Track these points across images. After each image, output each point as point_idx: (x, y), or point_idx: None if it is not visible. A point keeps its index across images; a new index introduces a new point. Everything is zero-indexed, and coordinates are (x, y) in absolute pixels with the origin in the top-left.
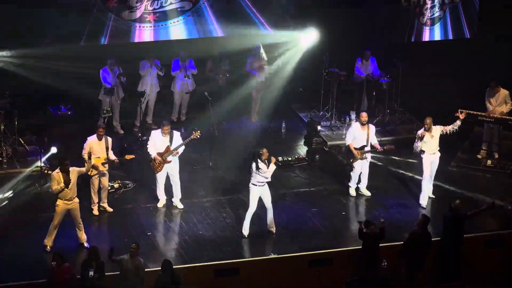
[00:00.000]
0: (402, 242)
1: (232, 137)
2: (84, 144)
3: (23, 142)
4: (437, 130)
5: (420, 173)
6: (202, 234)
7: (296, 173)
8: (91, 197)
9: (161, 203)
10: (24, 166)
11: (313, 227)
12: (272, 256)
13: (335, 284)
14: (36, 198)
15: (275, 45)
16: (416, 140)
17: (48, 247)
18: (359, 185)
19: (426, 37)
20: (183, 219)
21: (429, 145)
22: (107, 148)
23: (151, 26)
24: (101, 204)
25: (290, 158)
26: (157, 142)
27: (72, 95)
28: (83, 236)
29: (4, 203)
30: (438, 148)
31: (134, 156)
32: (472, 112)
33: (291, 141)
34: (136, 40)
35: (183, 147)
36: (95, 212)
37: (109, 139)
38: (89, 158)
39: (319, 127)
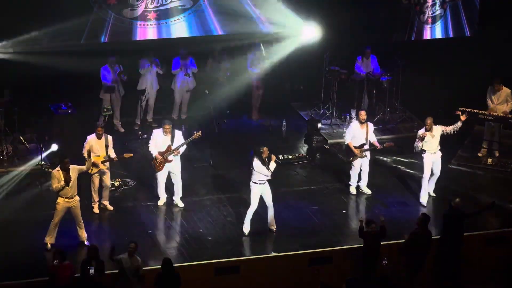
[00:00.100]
0: (402, 241)
1: (233, 135)
2: (84, 143)
3: (23, 140)
4: (438, 130)
5: (421, 171)
6: (203, 232)
7: (296, 171)
8: (92, 195)
9: (161, 202)
10: (24, 164)
11: (314, 225)
12: (273, 254)
13: (335, 282)
14: (37, 196)
15: (275, 41)
16: (417, 140)
17: (49, 245)
18: (359, 183)
19: (426, 35)
20: (183, 217)
21: (430, 144)
22: (106, 147)
23: (152, 24)
24: (102, 201)
25: (290, 156)
26: (158, 141)
27: (73, 94)
28: (83, 234)
29: (5, 200)
30: (439, 148)
31: (132, 155)
32: (472, 110)
33: (292, 139)
34: (137, 38)
35: (184, 147)
36: (96, 210)
37: (110, 138)
38: (89, 156)
39: (319, 125)
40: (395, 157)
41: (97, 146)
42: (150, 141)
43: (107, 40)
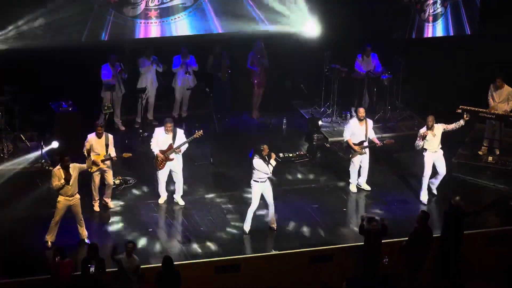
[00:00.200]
0: (402, 239)
1: (233, 133)
2: (85, 141)
3: (24, 139)
4: (439, 128)
5: (421, 169)
6: (203, 230)
7: (298, 169)
8: (92, 193)
9: (162, 200)
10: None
11: (314, 223)
12: (273, 252)
13: (336, 281)
14: (37, 195)
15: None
16: (418, 139)
17: (49, 243)
18: (359, 180)
19: (427, 33)
20: (184, 215)
21: (431, 143)
22: (107, 146)
23: (153, 23)
24: (104, 198)
25: (291, 155)
26: (160, 139)
27: (74, 92)
28: (84, 232)
29: (5, 199)
30: (440, 146)
31: (131, 154)
32: (473, 108)
33: (292, 137)
34: (137, 36)
35: (186, 145)
36: (96, 208)
37: (110, 136)
38: (88, 155)
39: (320, 122)
40: (395, 153)
41: (97, 145)
42: (152, 139)
43: (107, 38)
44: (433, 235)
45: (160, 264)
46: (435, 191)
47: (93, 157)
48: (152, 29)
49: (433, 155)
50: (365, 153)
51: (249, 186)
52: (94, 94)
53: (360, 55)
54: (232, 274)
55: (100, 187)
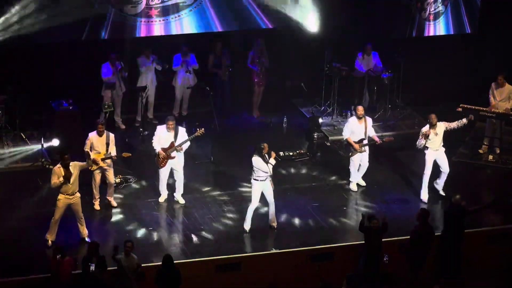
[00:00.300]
0: (402, 238)
1: (233, 132)
2: (86, 139)
3: (24, 137)
4: (441, 127)
5: (422, 168)
6: (204, 229)
7: (298, 168)
8: (93, 192)
9: (162, 198)
10: (25, 161)
11: (314, 222)
12: (273, 251)
13: (336, 279)
14: (37, 193)
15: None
16: (420, 138)
17: (50, 241)
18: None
19: (427, 32)
20: (184, 214)
21: (433, 141)
22: (107, 144)
23: (154, 21)
24: (106, 197)
25: (291, 153)
26: (161, 137)
27: (74, 90)
28: (84, 230)
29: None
30: (442, 144)
31: (130, 154)
32: (473, 107)
33: (293, 136)
34: (138, 35)
35: (188, 143)
36: (97, 207)
37: (111, 135)
38: (88, 154)
39: (320, 120)
40: (395, 152)
41: (98, 143)
42: (153, 137)
43: (107, 37)
44: (434, 234)
45: (160, 263)
46: (442, 193)
47: (93, 155)
48: (153, 28)
49: (435, 154)
50: (364, 151)
51: (250, 184)
52: (94, 93)
53: (360, 54)
54: (233, 272)
55: (101, 186)
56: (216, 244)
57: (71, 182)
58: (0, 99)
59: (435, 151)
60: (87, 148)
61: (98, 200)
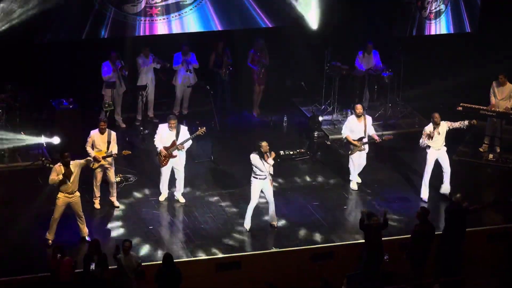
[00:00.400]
0: (402, 237)
1: (234, 131)
2: (88, 137)
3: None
4: (444, 126)
5: (421, 167)
6: (204, 228)
7: (298, 167)
8: (93, 190)
9: (163, 197)
10: (25, 160)
11: (315, 220)
12: (274, 250)
13: (337, 278)
14: (38, 192)
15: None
16: (423, 137)
17: (50, 241)
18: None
19: (428, 31)
20: (184, 213)
21: (436, 141)
22: (108, 142)
23: (154, 20)
24: (110, 198)
25: (291, 152)
26: (163, 136)
27: (74, 89)
28: (85, 229)
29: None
30: (444, 143)
31: (130, 152)
32: (473, 106)
33: (293, 135)
34: (138, 33)
35: (190, 142)
36: (97, 205)
37: (113, 134)
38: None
39: (321, 119)
40: (395, 151)
41: (100, 141)
42: (155, 136)
43: (107, 36)
44: (435, 232)
45: (161, 262)
46: (447, 192)
47: (94, 153)
48: (153, 27)
49: (437, 153)
50: (364, 149)
51: (249, 183)
52: (95, 92)
53: (361, 52)
54: (233, 271)
55: (102, 185)
56: (216, 243)
57: (71, 181)
58: (1, 97)
59: (437, 150)
60: (88, 146)
61: (99, 198)
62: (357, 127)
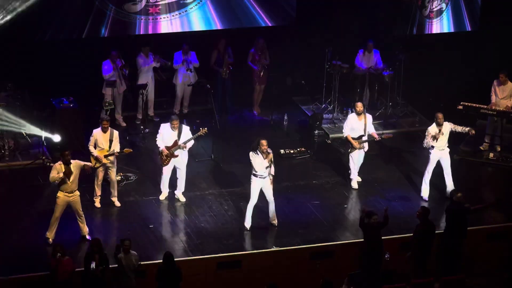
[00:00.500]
0: (402, 236)
1: (234, 130)
2: (90, 136)
3: (25, 135)
4: (447, 127)
5: (424, 166)
6: (204, 226)
7: (298, 165)
8: (94, 189)
9: (163, 196)
10: (26, 159)
11: (315, 219)
12: (274, 248)
13: (337, 277)
14: (38, 191)
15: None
16: (428, 138)
17: (50, 239)
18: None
19: (428, 29)
20: (185, 212)
21: (439, 141)
22: (110, 141)
23: (154, 19)
24: (111, 198)
25: (292, 151)
26: (165, 135)
27: (75, 88)
28: (85, 228)
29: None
30: (447, 145)
31: (131, 150)
32: (474, 105)
33: (293, 133)
34: (138, 32)
35: (192, 142)
36: (97, 204)
37: (115, 132)
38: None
39: (321, 116)
40: (396, 149)
41: (102, 140)
42: (157, 135)
43: (107, 34)
44: (435, 231)
45: (161, 260)
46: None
47: (97, 152)
48: (153, 26)
49: (440, 153)
50: (363, 147)
51: (250, 182)
52: (95, 91)
53: (361, 51)
54: (234, 270)
55: (103, 184)
56: (216, 242)
57: (70, 180)
58: (1, 96)
59: (440, 150)
60: (91, 145)
61: (99, 197)
62: (357, 125)
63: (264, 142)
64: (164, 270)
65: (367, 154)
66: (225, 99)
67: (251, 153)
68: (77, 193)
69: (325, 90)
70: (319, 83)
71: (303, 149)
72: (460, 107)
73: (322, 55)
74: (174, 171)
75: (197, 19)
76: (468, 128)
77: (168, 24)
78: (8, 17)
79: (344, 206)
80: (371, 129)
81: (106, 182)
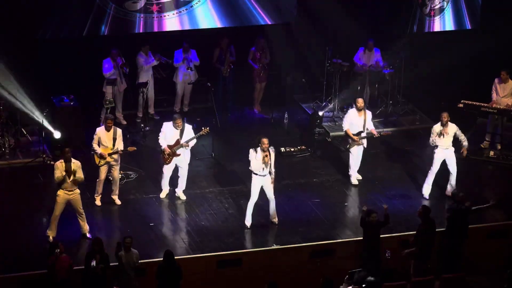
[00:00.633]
0: (403, 234)
1: (234, 128)
2: (94, 134)
3: (25, 133)
4: (453, 128)
5: (422, 164)
6: (205, 225)
7: (299, 164)
8: (96, 187)
9: (164, 194)
10: (26, 157)
11: (315, 217)
12: (274, 247)
13: (337, 275)
14: (38, 189)
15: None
16: (433, 136)
17: (51, 237)
18: None
19: (429, 27)
20: (185, 210)
21: (444, 141)
22: (114, 139)
23: (154, 17)
24: (111, 196)
25: (292, 149)
26: (167, 134)
27: (75, 86)
28: (85, 226)
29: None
30: (452, 144)
31: (135, 148)
32: (475, 103)
33: (294, 131)
34: (138, 30)
35: (194, 141)
36: (98, 202)
37: (119, 130)
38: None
39: (321, 114)
40: (396, 148)
41: (105, 138)
42: (160, 134)
43: (108, 33)
44: (436, 229)
45: (161, 259)
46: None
47: (101, 150)
48: (153, 24)
49: (444, 153)
50: (362, 143)
51: (250, 180)
52: (96, 89)
53: (362, 49)
54: (234, 268)
55: (104, 182)
56: (217, 240)
57: (70, 179)
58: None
59: (445, 149)
60: (95, 143)
61: (100, 195)
62: (356, 120)
63: (265, 140)
64: (164, 268)
65: (367, 152)
66: (226, 98)
67: (250, 151)
68: (77, 191)
69: (325, 88)
70: (319, 82)
71: (303, 147)
72: (461, 105)
73: (323, 53)
74: (175, 169)
75: (197, 18)
76: (466, 143)
77: (168, 23)
78: None
79: (344, 204)
80: (370, 126)
81: (107, 180)
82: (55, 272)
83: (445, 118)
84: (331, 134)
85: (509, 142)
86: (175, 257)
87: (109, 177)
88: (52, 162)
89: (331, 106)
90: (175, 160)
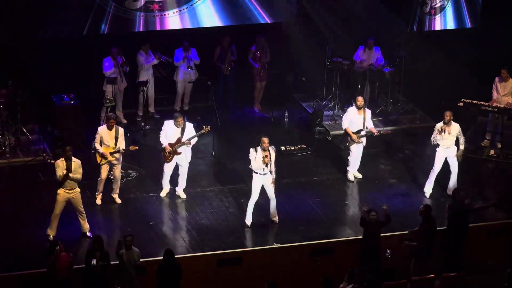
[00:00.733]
0: (403, 232)
1: (235, 127)
2: (95, 133)
3: (26, 132)
4: (456, 128)
5: (422, 163)
6: (205, 223)
7: (299, 162)
8: (97, 186)
9: (164, 192)
10: (26, 156)
11: (316, 216)
12: (275, 245)
13: (337, 274)
14: (38, 188)
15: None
16: (435, 133)
17: (51, 236)
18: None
19: (429, 26)
20: (186, 208)
21: (446, 140)
22: (116, 138)
23: (154, 16)
24: (111, 194)
25: (292, 148)
26: (169, 133)
27: (76, 85)
28: (85, 225)
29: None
30: (454, 144)
31: (137, 147)
32: (475, 102)
33: (294, 130)
34: (139, 29)
35: (195, 139)
36: (98, 201)
37: (121, 129)
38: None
39: (321, 112)
40: (397, 147)
41: (107, 137)
42: (161, 132)
43: (107, 32)
44: (437, 228)
45: (162, 257)
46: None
47: (102, 149)
48: (154, 22)
49: (446, 152)
50: (361, 142)
51: (251, 179)
52: (96, 88)
53: (362, 47)
54: (234, 267)
55: (109, 182)
56: (217, 239)
57: (71, 177)
58: (2, 93)
59: (446, 149)
60: (97, 142)
61: (101, 194)
62: (356, 118)
63: (265, 139)
64: (164, 267)
65: (368, 151)
66: (227, 96)
67: (251, 150)
68: (78, 190)
69: (325, 87)
70: (320, 80)
71: (303, 146)
72: (461, 103)
73: (323, 52)
74: (175, 168)
75: (197, 16)
76: (461, 152)
77: (168, 21)
78: None
79: (344, 203)
80: (369, 124)
81: (108, 179)
82: (55, 271)
83: (447, 117)
84: (332, 132)
85: (510, 140)
86: (175, 256)
87: (110, 176)
88: (52, 161)
89: (331, 105)
90: (176, 159)
